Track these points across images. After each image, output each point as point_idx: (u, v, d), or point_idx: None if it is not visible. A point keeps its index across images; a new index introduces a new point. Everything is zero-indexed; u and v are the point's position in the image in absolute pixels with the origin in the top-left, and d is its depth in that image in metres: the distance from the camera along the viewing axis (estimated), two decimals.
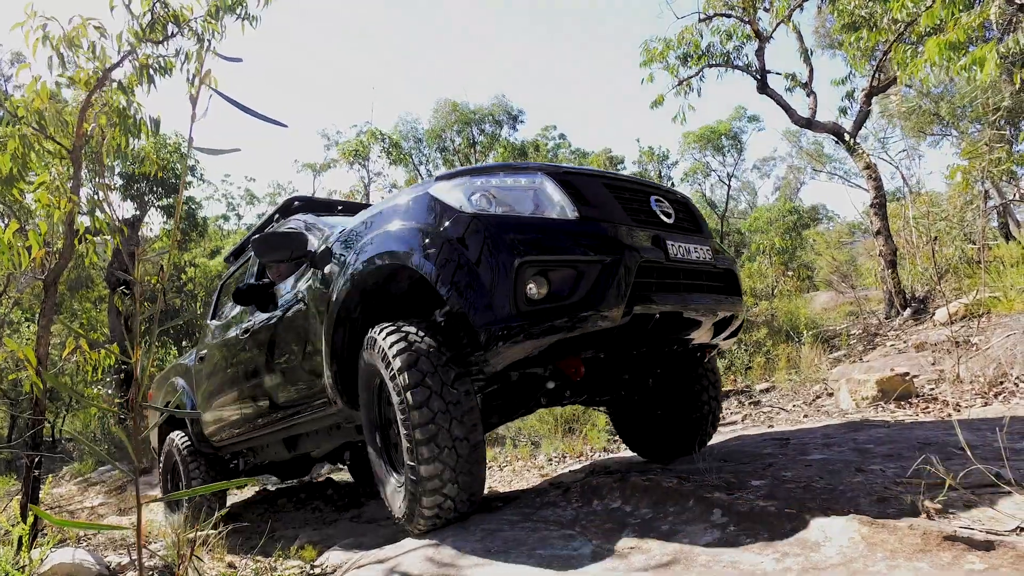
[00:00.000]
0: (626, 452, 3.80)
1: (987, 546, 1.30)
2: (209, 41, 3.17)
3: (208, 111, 0.98)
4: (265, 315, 3.13)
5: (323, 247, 2.70)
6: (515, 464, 4.66)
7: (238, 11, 3.02)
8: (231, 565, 3.05)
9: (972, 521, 1.45)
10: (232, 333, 3.61)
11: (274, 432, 3.32)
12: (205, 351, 4.06)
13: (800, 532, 1.58)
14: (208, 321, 4.34)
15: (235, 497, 5.56)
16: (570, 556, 1.78)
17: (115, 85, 2.96)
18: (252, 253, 3.62)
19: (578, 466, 3.71)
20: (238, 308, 3.60)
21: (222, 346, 3.70)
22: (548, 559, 1.77)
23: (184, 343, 8.95)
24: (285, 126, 0.90)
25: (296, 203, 3.66)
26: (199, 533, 3.01)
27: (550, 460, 4.48)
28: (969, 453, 1.72)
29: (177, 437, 4.25)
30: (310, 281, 2.72)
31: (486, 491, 3.20)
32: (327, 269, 2.62)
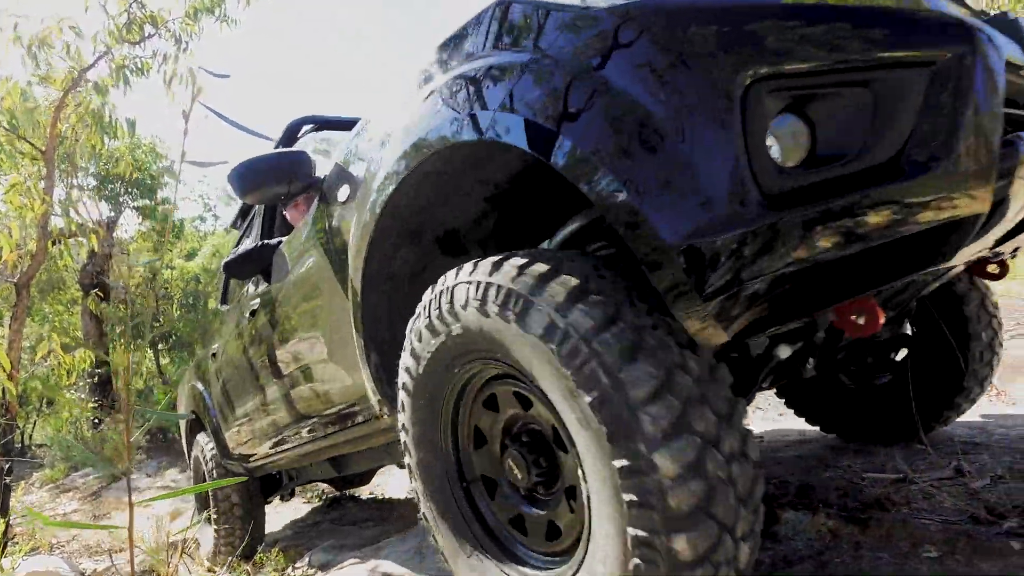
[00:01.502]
0: None
1: (943, 535, 1.36)
2: (187, 43, 3.15)
3: (191, 116, 0.99)
4: (270, 287, 2.22)
5: (336, 167, 1.73)
6: None
7: (216, 13, 3.01)
8: (210, 570, 3.04)
9: (931, 512, 1.51)
10: (243, 319, 2.60)
11: (305, 452, 2.37)
12: (217, 345, 3.08)
13: (772, 527, 1.63)
14: (219, 306, 3.39)
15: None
16: None
17: (90, 86, 2.93)
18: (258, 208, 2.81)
19: None
20: (250, 285, 2.66)
21: (235, 337, 2.69)
22: None
23: (160, 346, 8.83)
24: (271, 140, 0.91)
25: (306, 126, 2.50)
26: (181, 537, 3.01)
27: None
28: (930, 448, 1.79)
29: (204, 442, 3.34)
30: (321, 223, 1.76)
31: None
32: (342, 194, 1.65)
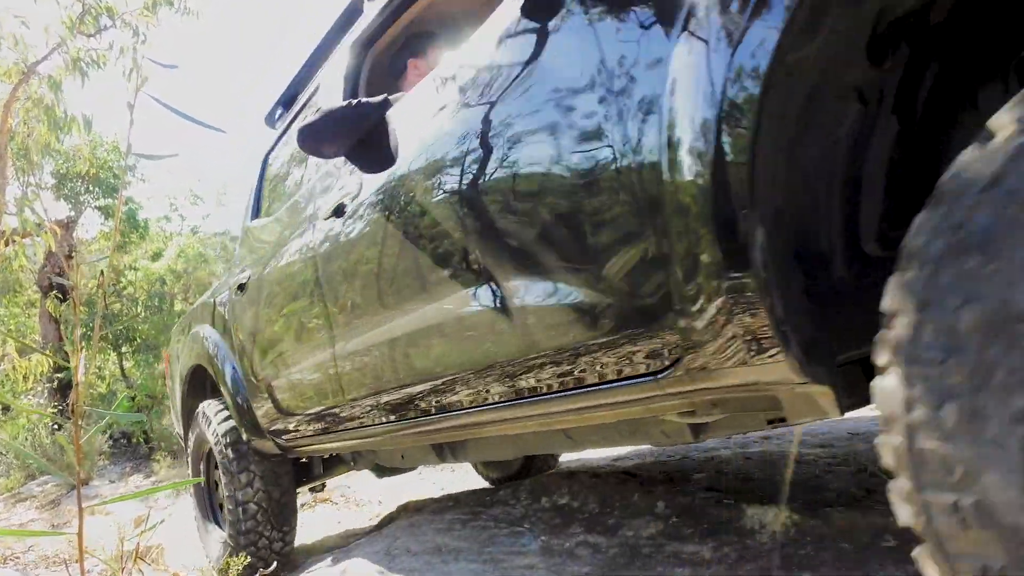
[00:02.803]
0: (592, 452, 3.86)
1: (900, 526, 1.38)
2: (145, 35, 3.07)
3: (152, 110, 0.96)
4: (392, 171, 1.43)
5: None
6: (465, 467, 4.66)
7: (175, 4, 2.93)
8: (175, 575, 2.96)
9: (883, 503, 1.54)
10: (311, 230, 1.81)
11: (448, 426, 1.53)
12: (249, 274, 2.23)
13: (738, 521, 1.65)
14: (248, 223, 2.49)
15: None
16: (518, 552, 1.80)
17: (42, 79, 2.83)
18: (319, 83, 2.02)
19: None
20: (316, 177, 1.87)
21: (295, 258, 1.90)
22: (496, 556, 1.79)
23: (124, 348, 8.61)
24: (223, 132, 0.88)
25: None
26: (139, 542, 2.91)
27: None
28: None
29: (214, 413, 2.47)
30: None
31: (440, 492, 3.20)
32: None
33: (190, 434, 2.71)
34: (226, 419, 2.42)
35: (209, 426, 2.48)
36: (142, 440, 6.63)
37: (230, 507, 2.35)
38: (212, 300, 2.63)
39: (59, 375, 7.39)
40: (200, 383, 2.78)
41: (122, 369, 8.74)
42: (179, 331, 3.06)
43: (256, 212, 2.52)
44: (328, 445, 2.10)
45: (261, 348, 2.16)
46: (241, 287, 2.28)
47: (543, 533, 1.90)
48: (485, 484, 3.24)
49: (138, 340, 8.46)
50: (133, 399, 6.70)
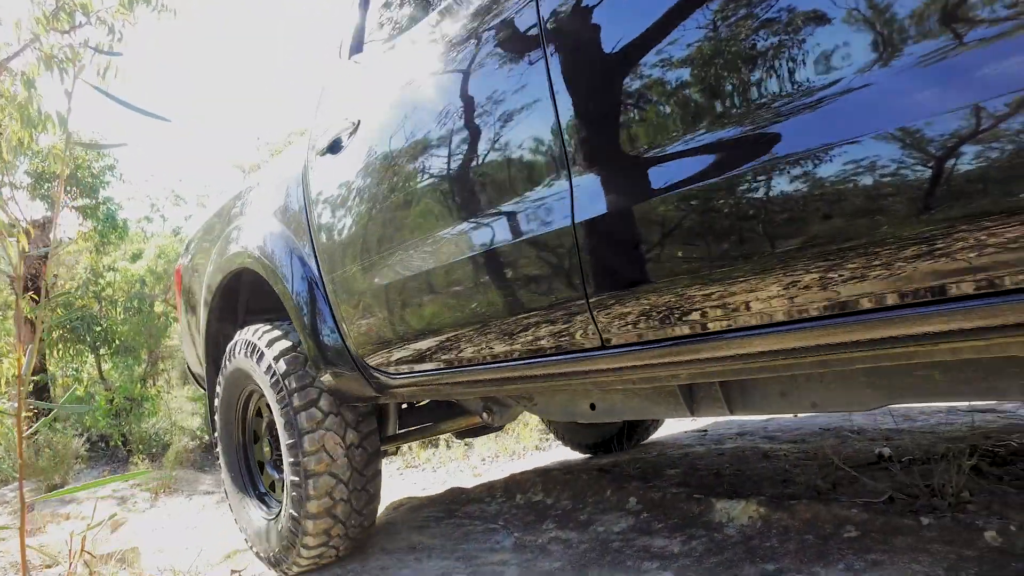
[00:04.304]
0: (559, 450, 3.88)
1: (863, 516, 1.42)
2: (121, 33, 3.03)
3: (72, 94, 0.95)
4: None
5: None
6: (448, 465, 4.67)
7: (152, 2, 2.91)
8: None
9: (854, 495, 1.57)
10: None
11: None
12: (358, 124, 1.57)
13: (707, 515, 1.67)
14: (348, 57, 1.73)
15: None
16: (491, 549, 1.81)
17: (14, 77, 2.80)
18: None
19: (512, 464, 3.76)
20: None
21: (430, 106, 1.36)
22: (469, 553, 1.80)
23: (102, 351, 8.49)
24: (168, 120, 0.89)
25: None
26: (84, 536, 2.87)
27: (483, 460, 4.51)
28: (857, 436, 1.86)
29: (266, 341, 1.83)
30: None
31: (422, 492, 3.20)
32: None
33: (219, 377, 2.07)
34: (289, 348, 1.77)
35: (258, 359, 1.80)
36: (120, 443, 6.54)
37: (293, 478, 1.70)
38: (271, 177, 1.99)
39: (35, 378, 7.27)
40: (231, 305, 2.18)
41: (100, 372, 8.62)
42: (204, 234, 2.31)
43: (359, 45, 1.72)
44: (465, 379, 1.42)
45: (368, 234, 1.50)
46: (334, 147, 1.60)
47: (516, 529, 1.91)
48: (468, 484, 3.26)
49: (116, 342, 8.35)
50: (111, 402, 6.61)
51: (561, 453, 3.28)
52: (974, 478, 1.54)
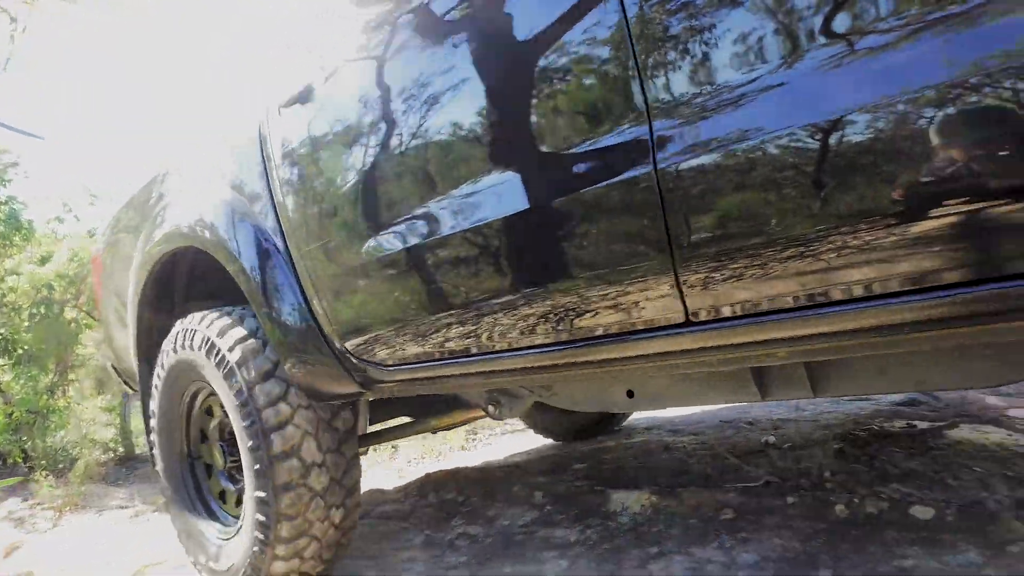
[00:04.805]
0: (484, 449, 3.94)
1: (740, 499, 1.54)
2: (25, 25, 2.88)
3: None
4: None
5: None
6: (375, 468, 4.65)
7: None
8: None
9: (736, 480, 1.71)
10: None
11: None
12: (330, 73, 1.33)
13: (604, 506, 1.77)
14: None
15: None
16: (402, 547, 1.85)
17: None
18: None
19: (437, 464, 3.80)
20: None
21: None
22: (379, 552, 1.83)
23: (2, 360, 7.93)
24: (40, 138, 0.88)
25: None
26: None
27: (409, 462, 4.52)
28: (749, 426, 2.01)
29: (216, 330, 1.58)
30: None
31: None
32: None
33: (155, 375, 1.80)
34: (246, 336, 1.53)
35: (210, 353, 1.55)
36: (20, 459, 6.15)
37: (259, 494, 1.45)
38: (212, 144, 1.76)
39: None
40: (166, 293, 1.94)
41: None
42: (126, 214, 2.08)
43: None
44: (487, 369, 1.19)
45: (361, 195, 1.27)
46: (304, 96, 1.37)
47: (427, 527, 1.96)
48: (388, 486, 3.27)
49: (19, 351, 7.83)
50: (11, 415, 6.20)
51: (486, 453, 3.34)
52: (837, 460, 1.70)
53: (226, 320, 1.60)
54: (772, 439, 2.02)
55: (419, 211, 1.18)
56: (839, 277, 0.75)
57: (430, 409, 1.90)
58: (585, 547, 1.57)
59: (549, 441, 2.84)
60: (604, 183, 0.91)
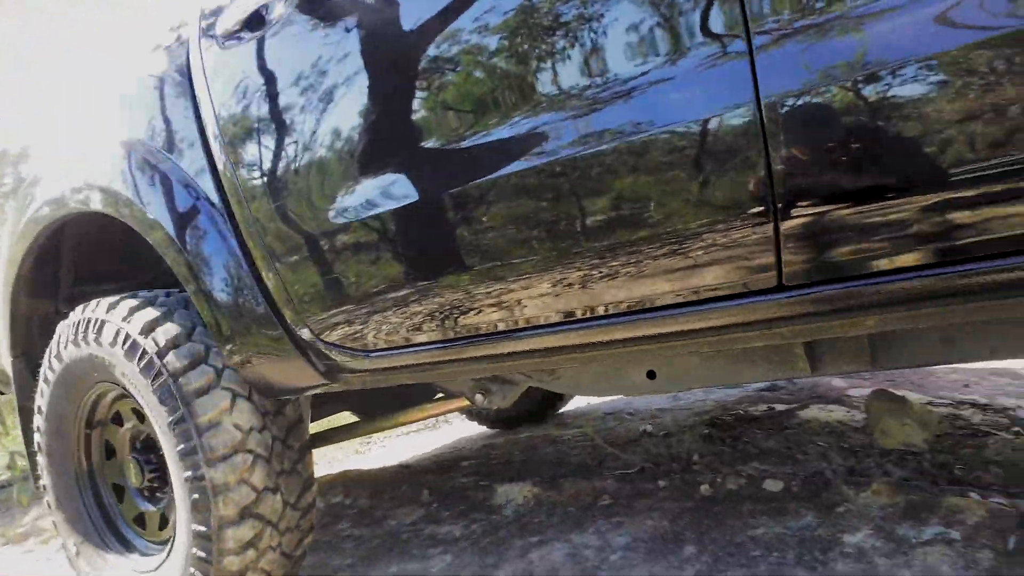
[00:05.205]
0: (379, 451, 3.86)
1: (616, 486, 1.62)
2: None
3: None
4: None
5: None
6: None
7: None
8: None
9: (615, 469, 1.79)
10: None
11: None
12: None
13: (489, 500, 1.80)
14: None
15: None
16: None
17: None
18: None
19: (330, 470, 3.68)
20: None
21: None
22: None
23: None
24: None
25: None
26: None
27: None
28: (629, 416, 2.11)
29: (120, 316, 1.32)
30: None
31: None
32: None
33: (42, 378, 1.52)
34: (160, 319, 1.30)
35: (120, 344, 1.30)
36: None
37: (195, 521, 1.25)
38: (112, 86, 1.48)
39: None
40: (48, 277, 1.65)
41: None
42: None
43: None
44: (498, 351, 1.02)
45: (336, 142, 1.07)
46: (253, 22, 1.15)
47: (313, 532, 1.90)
48: None
49: None
50: None
51: (381, 456, 3.28)
52: (706, 443, 1.83)
53: (149, 310, 1.32)
54: (649, 428, 2.14)
55: (419, 162, 0.97)
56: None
57: (377, 405, 1.72)
58: (470, 541, 1.59)
59: (442, 441, 2.84)
60: (679, 121, 0.75)
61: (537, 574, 1.38)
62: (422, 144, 0.97)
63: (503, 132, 0.88)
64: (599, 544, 1.42)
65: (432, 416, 1.82)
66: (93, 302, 1.43)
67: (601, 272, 0.85)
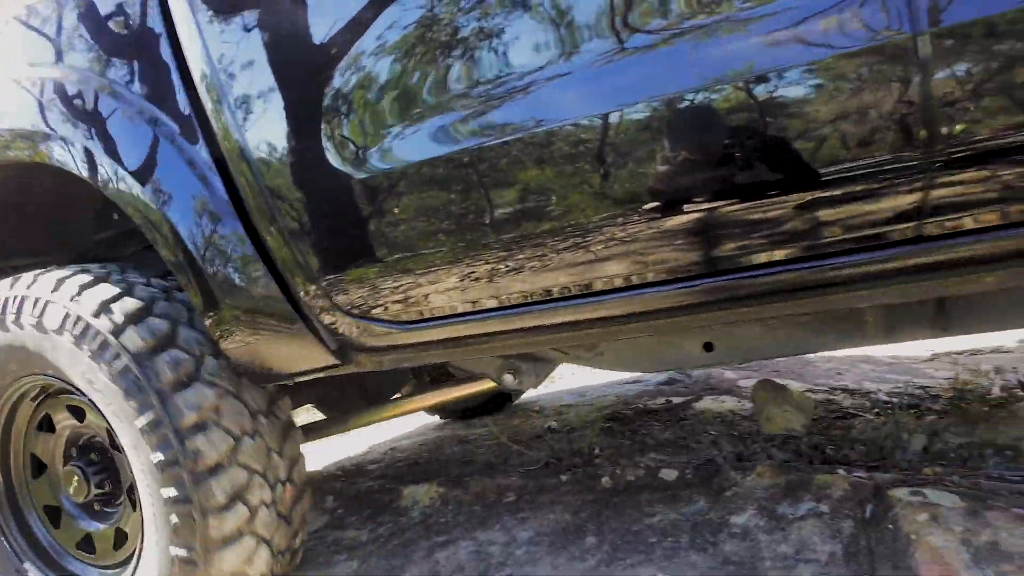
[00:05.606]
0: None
1: (520, 482, 1.65)
2: None
3: None
4: None
5: None
6: None
7: None
8: None
9: (520, 465, 1.82)
10: None
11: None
12: None
13: (396, 502, 1.77)
14: None
15: None
16: None
17: None
18: None
19: None
20: None
21: None
22: None
23: None
24: None
25: None
26: None
27: None
28: (537, 412, 2.14)
29: (68, 296, 1.09)
30: None
31: None
32: None
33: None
34: (122, 293, 1.10)
35: (70, 326, 1.07)
36: None
37: (180, 553, 1.08)
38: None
39: None
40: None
41: None
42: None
43: None
44: (573, 318, 0.88)
45: (355, 67, 0.87)
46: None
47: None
48: None
49: None
50: None
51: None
52: (607, 437, 1.89)
53: (106, 286, 1.09)
54: (554, 424, 2.19)
55: (495, 95, 0.81)
56: None
57: (346, 398, 1.56)
58: (376, 545, 1.56)
59: (351, 446, 2.76)
60: (813, 55, 0.68)
61: (443, 574, 1.38)
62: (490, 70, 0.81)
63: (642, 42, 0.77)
64: (504, 540, 1.43)
65: (403, 414, 1.73)
66: (24, 277, 1.17)
67: (675, 232, 0.77)
